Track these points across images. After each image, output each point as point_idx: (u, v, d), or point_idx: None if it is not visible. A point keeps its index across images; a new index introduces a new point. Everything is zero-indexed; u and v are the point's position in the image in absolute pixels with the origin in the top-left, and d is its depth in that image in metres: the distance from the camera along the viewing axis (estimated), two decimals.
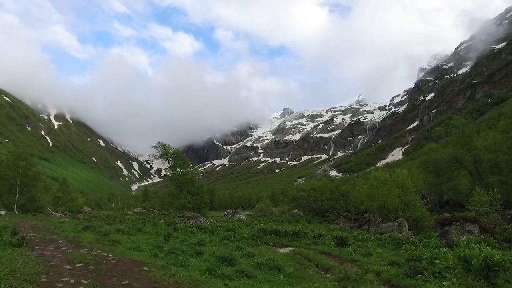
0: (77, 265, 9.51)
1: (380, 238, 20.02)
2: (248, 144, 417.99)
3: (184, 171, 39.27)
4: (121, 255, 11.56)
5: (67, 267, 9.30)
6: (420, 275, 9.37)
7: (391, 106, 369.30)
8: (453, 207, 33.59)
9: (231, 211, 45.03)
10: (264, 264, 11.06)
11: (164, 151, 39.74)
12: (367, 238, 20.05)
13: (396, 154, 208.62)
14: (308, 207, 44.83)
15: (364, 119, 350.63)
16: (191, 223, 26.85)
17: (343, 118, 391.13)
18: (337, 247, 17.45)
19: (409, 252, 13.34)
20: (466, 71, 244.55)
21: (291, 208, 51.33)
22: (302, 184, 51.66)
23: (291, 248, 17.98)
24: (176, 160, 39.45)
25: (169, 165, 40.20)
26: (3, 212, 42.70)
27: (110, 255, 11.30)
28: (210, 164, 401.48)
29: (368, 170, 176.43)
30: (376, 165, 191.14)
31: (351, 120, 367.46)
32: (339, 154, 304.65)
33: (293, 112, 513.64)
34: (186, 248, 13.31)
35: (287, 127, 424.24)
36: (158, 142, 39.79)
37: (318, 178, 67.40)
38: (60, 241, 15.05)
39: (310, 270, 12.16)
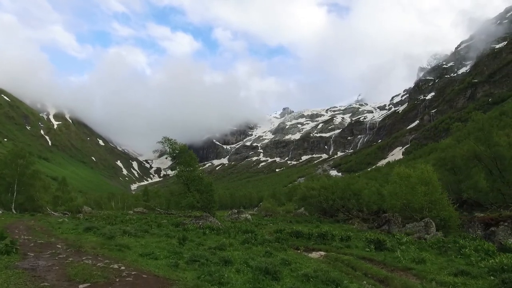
0: (80, 286, 7.30)
1: (419, 241, 18.23)
2: (248, 143, 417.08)
3: (192, 168, 36.94)
4: (135, 266, 9.77)
5: None
6: None
7: (391, 106, 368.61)
8: (472, 207, 32.37)
9: (236, 211, 43.49)
10: (314, 277, 9.31)
11: (170, 147, 37.43)
12: (408, 241, 17.97)
13: (396, 154, 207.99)
14: (318, 207, 43.09)
15: (364, 118, 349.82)
16: (200, 223, 25.20)
17: (343, 118, 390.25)
18: (376, 251, 15.66)
19: (473, 258, 11.63)
20: (466, 70, 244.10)
21: (298, 207, 49.97)
22: (312, 182, 50.13)
23: (322, 253, 16.03)
24: (183, 156, 37.13)
25: (175, 162, 38.01)
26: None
27: (123, 267, 9.26)
28: (209, 164, 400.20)
29: (369, 169, 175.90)
30: (377, 165, 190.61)
31: (351, 120, 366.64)
32: (339, 153, 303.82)
33: (293, 111, 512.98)
34: (209, 255, 11.52)
35: (286, 127, 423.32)
36: (164, 137, 37.60)
37: (328, 177, 65.58)
38: (58, 246, 13.02)
39: (364, 282, 10.39)
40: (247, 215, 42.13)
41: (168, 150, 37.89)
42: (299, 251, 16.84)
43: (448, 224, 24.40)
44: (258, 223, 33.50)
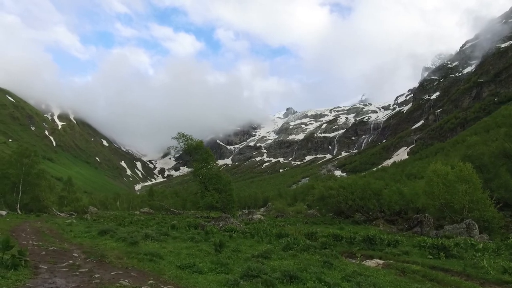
0: None
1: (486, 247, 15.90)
2: (251, 144, 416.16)
3: (209, 165, 34.58)
4: (185, 285, 7.95)
5: None
6: None
7: (395, 106, 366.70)
8: (501, 207, 30.84)
9: (247, 211, 42.11)
10: None
11: (185, 143, 35.25)
12: (485, 247, 15.41)
13: (401, 154, 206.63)
14: (336, 207, 41.14)
15: (368, 118, 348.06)
16: (221, 225, 23.35)
17: (347, 118, 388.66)
18: (446, 258, 13.80)
19: None
20: (472, 70, 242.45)
21: (313, 207, 48.60)
22: (330, 182, 48.27)
23: (380, 261, 13.83)
24: (199, 152, 34.77)
25: (191, 159, 35.87)
26: (4, 213, 39.80)
27: None
28: None
29: (374, 169, 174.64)
30: (382, 165, 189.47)
31: (355, 120, 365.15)
32: (343, 153, 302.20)
33: (296, 111, 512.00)
34: (264, 268, 9.37)
35: (290, 127, 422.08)
36: (178, 133, 35.45)
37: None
38: (75, 254, 11.08)
39: None
40: (259, 215, 40.79)
41: (183, 146, 35.66)
42: (355, 260, 14.54)
43: (491, 226, 22.79)
44: (276, 224, 31.82)
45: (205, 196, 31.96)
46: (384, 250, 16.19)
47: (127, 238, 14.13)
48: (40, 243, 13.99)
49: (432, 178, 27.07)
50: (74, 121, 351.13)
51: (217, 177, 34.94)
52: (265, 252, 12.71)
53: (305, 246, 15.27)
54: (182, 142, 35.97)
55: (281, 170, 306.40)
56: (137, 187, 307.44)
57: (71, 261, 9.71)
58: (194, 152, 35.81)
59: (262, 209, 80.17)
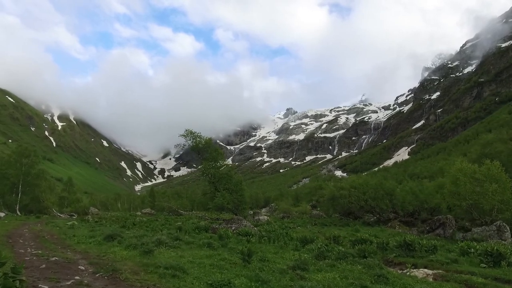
0: None
1: None
2: (252, 144, 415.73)
3: (218, 164, 32.77)
4: None
5: None
6: None
7: (395, 106, 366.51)
8: None
9: (251, 212, 40.67)
10: None
11: (193, 140, 33.37)
12: None
13: (402, 154, 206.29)
14: (347, 208, 39.80)
15: (369, 118, 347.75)
16: (233, 228, 21.78)
17: (347, 118, 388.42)
18: (495, 267, 12.53)
19: None
20: (472, 69, 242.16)
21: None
22: (341, 182, 46.97)
23: (429, 271, 12.16)
24: (208, 150, 32.88)
25: (199, 157, 34.26)
26: (3, 214, 38.64)
27: None
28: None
29: (376, 169, 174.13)
30: (383, 165, 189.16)
31: (355, 120, 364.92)
32: (344, 154, 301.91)
33: (296, 112, 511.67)
34: (315, 286, 7.90)
35: (290, 127, 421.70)
36: (186, 130, 33.48)
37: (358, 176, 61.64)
38: (81, 267, 9.41)
39: None
40: (265, 217, 39.47)
41: (190, 144, 33.85)
42: (402, 270, 12.85)
43: None
44: (285, 226, 30.61)
45: (215, 197, 30.42)
46: (426, 258, 14.47)
47: (138, 245, 12.73)
48: (39, 251, 12.41)
49: (458, 177, 25.65)
50: (74, 122, 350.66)
51: (227, 177, 33.44)
52: (301, 262, 11.10)
53: (341, 254, 13.56)
54: (190, 139, 34.40)
55: (281, 171, 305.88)
56: (137, 187, 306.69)
57: (77, 277, 8.01)
58: (202, 151, 34.18)
59: (264, 210, 79.61)
